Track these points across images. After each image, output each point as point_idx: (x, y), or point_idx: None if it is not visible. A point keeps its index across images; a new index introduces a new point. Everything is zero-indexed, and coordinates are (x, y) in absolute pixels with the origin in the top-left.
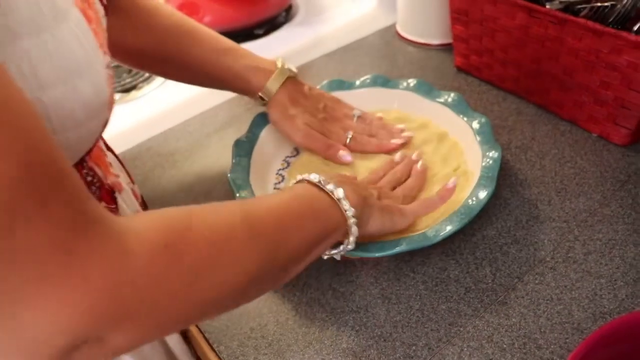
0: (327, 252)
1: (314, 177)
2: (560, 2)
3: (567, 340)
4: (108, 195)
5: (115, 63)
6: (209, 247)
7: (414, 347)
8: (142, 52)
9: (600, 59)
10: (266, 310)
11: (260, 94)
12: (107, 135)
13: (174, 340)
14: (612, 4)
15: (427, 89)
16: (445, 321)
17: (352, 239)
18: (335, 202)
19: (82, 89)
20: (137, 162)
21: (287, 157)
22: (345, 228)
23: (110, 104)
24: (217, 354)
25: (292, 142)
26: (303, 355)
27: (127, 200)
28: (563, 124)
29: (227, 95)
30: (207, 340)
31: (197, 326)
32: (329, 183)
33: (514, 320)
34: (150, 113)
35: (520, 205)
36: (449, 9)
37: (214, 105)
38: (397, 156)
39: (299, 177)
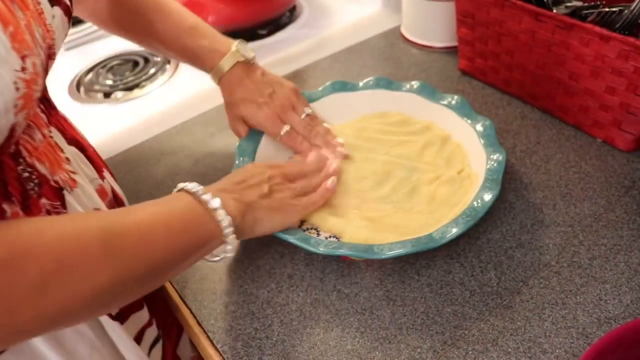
0: (207, 258)
1: (192, 187)
2: (567, 7)
3: (572, 345)
4: (53, 192)
5: (101, 61)
6: (55, 262)
7: (418, 350)
8: (117, 23)
9: (607, 64)
10: (270, 311)
11: (211, 74)
12: (111, 132)
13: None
14: (619, 10)
15: (431, 91)
16: (450, 324)
17: (229, 247)
18: (210, 213)
19: None
20: (140, 160)
21: (290, 157)
22: (220, 238)
23: (19, 109)
24: (221, 355)
25: (262, 129)
26: (308, 357)
27: (82, 198)
28: (568, 129)
29: None
30: (211, 340)
31: (200, 326)
32: (205, 193)
33: (519, 324)
34: (154, 111)
35: (525, 209)
36: (454, 12)
37: (218, 104)
38: (312, 157)
39: (180, 186)
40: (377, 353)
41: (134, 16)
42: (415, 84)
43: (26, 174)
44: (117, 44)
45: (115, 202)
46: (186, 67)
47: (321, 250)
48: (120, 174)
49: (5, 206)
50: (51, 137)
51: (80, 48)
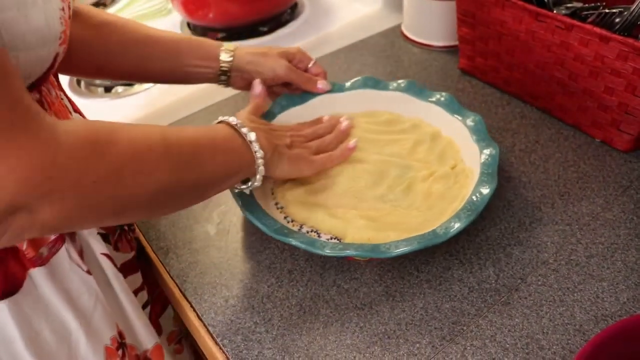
0: (237, 187)
1: (232, 120)
2: (568, 8)
3: (570, 342)
4: None
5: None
6: (128, 152)
7: (417, 345)
8: (107, 70)
9: (606, 64)
10: (270, 306)
11: (222, 50)
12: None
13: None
14: (619, 11)
15: (418, 89)
16: (448, 320)
17: (258, 176)
18: (247, 144)
19: (33, 17)
20: None
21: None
22: (254, 167)
23: (63, 40)
24: (221, 348)
25: (273, 75)
26: (307, 351)
27: None
28: (566, 129)
29: (232, 90)
30: (211, 334)
31: (200, 320)
32: (244, 126)
33: (516, 320)
34: (155, 106)
35: (523, 208)
36: (454, 11)
37: (219, 100)
38: (326, 117)
39: (220, 119)
40: (376, 348)
41: (124, 62)
42: (402, 82)
43: None
44: None
45: None
46: None
47: (327, 252)
48: None
49: None
50: (62, 99)
51: None
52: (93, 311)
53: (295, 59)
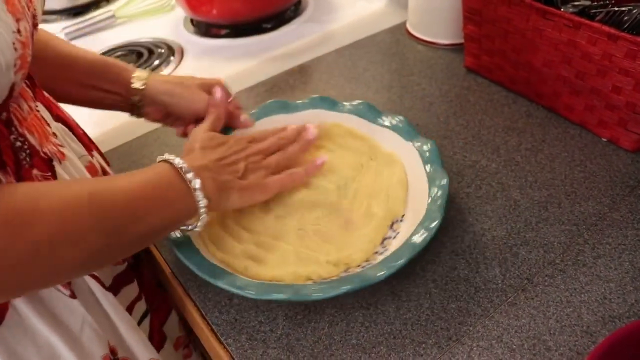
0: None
1: (177, 162)
2: (575, 6)
3: (577, 343)
4: (43, 163)
5: (105, 52)
6: (50, 227)
7: (423, 345)
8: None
9: (614, 63)
10: (275, 305)
11: (134, 77)
12: (114, 123)
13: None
14: (628, 9)
15: (372, 111)
16: (455, 320)
17: (200, 224)
18: (191, 191)
19: None
20: (145, 151)
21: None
22: (196, 215)
23: (20, 66)
24: (225, 347)
25: (191, 109)
26: (312, 350)
27: (72, 170)
28: (573, 128)
29: (235, 88)
30: (215, 333)
31: (205, 319)
32: (189, 171)
33: (523, 321)
34: None
35: (530, 207)
36: (460, 9)
37: None
38: (292, 126)
39: (164, 157)
40: (381, 348)
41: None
42: (357, 103)
43: (18, 144)
44: (121, 35)
45: None
46: (190, 59)
47: (251, 293)
48: (123, 165)
49: (0, 175)
50: (38, 110)
51: (84, 39)
52: (80, 333)
53: (217, 93)
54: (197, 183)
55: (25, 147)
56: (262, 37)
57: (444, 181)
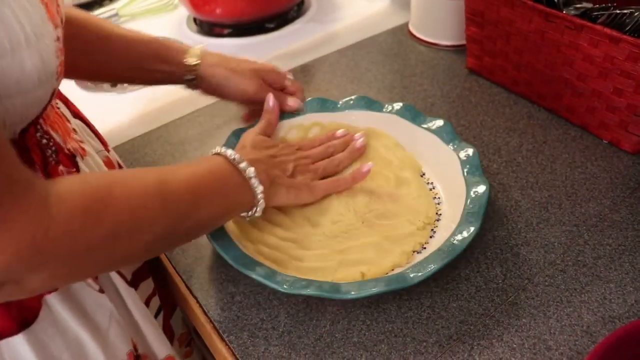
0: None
1: (230, 154)
2: (577, 8)
3: (577, 343)
4: (68, 159)
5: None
6: (125, 213)
7: (424, 344)
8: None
9: (616, 65)
10: (277, 302)
11: (188, 55)
12: (118, 121)
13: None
14: (630, 12)
15: (414, 113)
16: (455, 319)
17: (259, 209)
18: (246, 180)
19: (27, 60)
20: (147, 149)
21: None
22: (253, 203)
23: (59, 73)
24: (227, 345)
25: (241, 94)
26: (314, 348)
27: (93, 166)
28: (574, 129)
29: None
30: (217, 330)
31: (207, 316)
32: (242, 161)
33: (524, 320)
34: (161, 101)
35: (531, 208)
36: (462, 10)
37: None
38: (340, 131)
39: (217, 149)
40: (382, 346)
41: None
42: (398, 105)
43: (44, 141)
44: None
45: None
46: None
47: (285, 288)
48: (127, 163)
49: None
50: (58, 108)
51: None
52: (108, 328)
53: (269, 79)
54: (251, 172)
55: (51, 144)
56: (265, 37)
57: (482, 188)
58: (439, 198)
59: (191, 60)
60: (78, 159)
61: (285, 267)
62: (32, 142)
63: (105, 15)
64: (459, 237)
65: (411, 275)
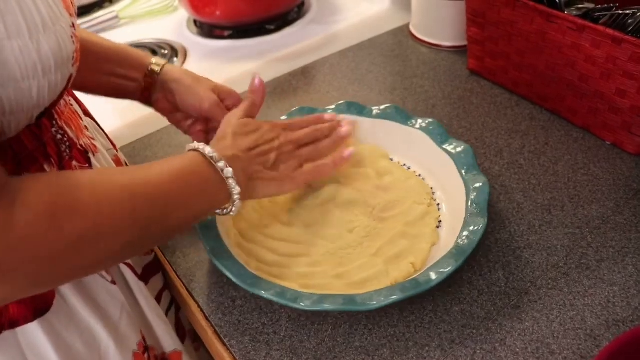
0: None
1: (208, 152)
2: (579, 9)
3: (580, 347)
4: (81, 155)
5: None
6: (91, 220)
7: (427, 348)
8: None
9: (618, 66)
10: (278, 307)
11: (151, 63)
12: (119, 124)
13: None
14: (632, 12)
15: (401, 114)
16: (458, 323)
17: (234, 209)
18: (223, 180)
19: (44, 42)
20: (148, 152)
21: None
22: (228, 202)
23: (76, 59)
24: (228, 349)
25: (197, 105)
26: (315, 353)
27: (103, 163)
28: (576, 131)
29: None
30: (218, 335)
31: (208, 320)
32: (219, 160)
33: (527, 324)
34: None
35: (533, 210)
36: (463, 11)
37: None
38: (328, 115)
39: (194, 145)
40: (385, 350)
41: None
42: (386, 107)
43: (59, 136)
44: (124, 36)
45: None
46: (194, 60)
47: (302, 305)
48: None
49: (46, 166)
50: (71, 104)
51: None
52: (120, 320)
53: (229, 100)
54: (229, 172)
55: (65, 139)
56: (266, 39)
57: (480, 184)
58: (434, 194)
59: (158, 61)
60: (90, 155)
61: (332, 288)
62: (48, 136)
63: (105, 17)
64: (467, 233)
65: (433, 277)
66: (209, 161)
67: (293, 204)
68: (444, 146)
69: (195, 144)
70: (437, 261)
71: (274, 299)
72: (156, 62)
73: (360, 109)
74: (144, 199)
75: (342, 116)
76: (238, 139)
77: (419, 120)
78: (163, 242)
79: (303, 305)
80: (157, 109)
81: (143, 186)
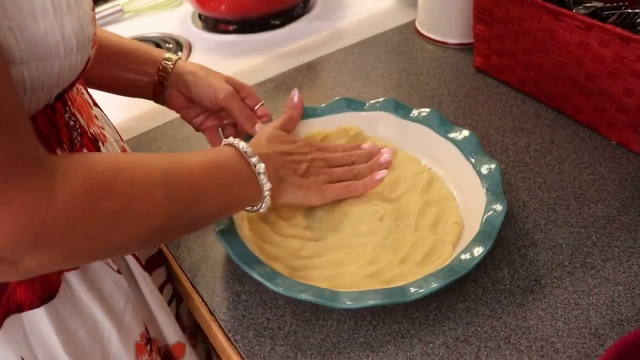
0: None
1: (242, 146)
2: (587, 7)
3: (585, 346)
4: (91, 143)
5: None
6: (126, 200)
7: (431, 345)
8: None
9: (626, 66)
10: (283, 302)
11: (164, 58)
12: (122, 118)
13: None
14: None
15: (401, 107)
16: (462, 320)
17: (264, 206)
18: (255, 175)
19: (68, 23)
20: (152, 146)
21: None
22: (259, 198)
23: (94, 42)
24: (233, 344)
25: (212, 95)
26: (320, 348)
27: (112, 152)
28: (582, 130)
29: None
30: (223, 329)
31: (212, 315)
32: (253, 156)
33: (531, 322)
34: None
35: (538, 209)
36: (470, 8)
37: None
38: (367, 144)
39: (230, 140)
40: (389, 347)
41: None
42: (381, 100)
43: (72, 122)
44: (129, 30)
45: None
46: (198, 54)
47: (348, 304)
48: None
49: (59, 151)
50: (82, 93)
51: None
52: (124, 310)
53: (243, 92)
54: (261, 167)
55: (77, 126)
56: (271, 34)
57: (500, 206)
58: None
59: (170, 56)
60: (100, 143)
61: (371, 283)
62: (61, 122)
63: (110, 11)
64: (464, 256)
65: (411, 291)
66: (243, 156)
67: (303, 218)
68: (448, 134)
69: (231, 139)
70: (466, 245)
71: (314, 299)
72: (169, 57)
73: (357, 105)
74: (177, 185)
75: (382, 145)
76: (273, 143)
77: (416, 111)
78: (189, 232)
79: (350, 304)
80: (171, 105)
81: (177, 173)
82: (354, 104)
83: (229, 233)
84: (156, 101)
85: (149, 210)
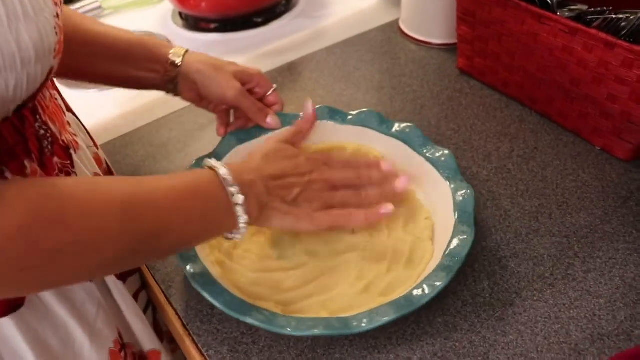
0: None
1: (223, 173)
2: (572, 11)
3: None
4: (62, 151)
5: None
6: (72, 234)
7: None
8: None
9: (610, 71)
10: None
11: (171, 54)
12: (97, 120)
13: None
14: (626, 16)
15: (379, 120)
16: (441, 335)
17: (240, 236)
18: (232, 205)
19: (25, 33)
20: (129, 150)
21: None
22: (234, 229)
23: (58, 51)
24: (206, 359)
25: (220, 95)
26: None
27: (84, 160)
28: (566, 135)
29: None
30: (196, 344)
31: (186, 329)
32: (233, 185)
33: (510, 337)
34: (142, 100)
35: (520, 217)
36: (454, 9)
37: None
38: (386, 165)
39: (211, 163)
40: None
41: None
42: (362, 112)
43: (42, 131)
44: None
45: (109, 172)
46: None
47: (289, 331)
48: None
49: (26, 162)
50: (56, 99)
51: None
52: (96, 317)
53: (253, 82)
54: (239, 199)
55: (48, 135)
56: (252, 33)
57: (467, 236)
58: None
59: (177, 51)
60: (72, 151)
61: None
62: (30, 132)
63: (88, 8)
64: (455, 245)
65: (427, 292)
66: (222, 183)
67: (271, 248)
68: (424, 152)
69: (213, 162)
70: (427, 276)
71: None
72: (175, 52)
73: (335, 114)
74: (138, 217)
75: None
76: (265, 163)
77: (397, 125)
78: (154, 260)
79: (290, 330)
80: (185, 99)
81: (141, 203)
82: (337, 115)
83: (208, 282)
84: (170, 94)
85: (99, 243)
